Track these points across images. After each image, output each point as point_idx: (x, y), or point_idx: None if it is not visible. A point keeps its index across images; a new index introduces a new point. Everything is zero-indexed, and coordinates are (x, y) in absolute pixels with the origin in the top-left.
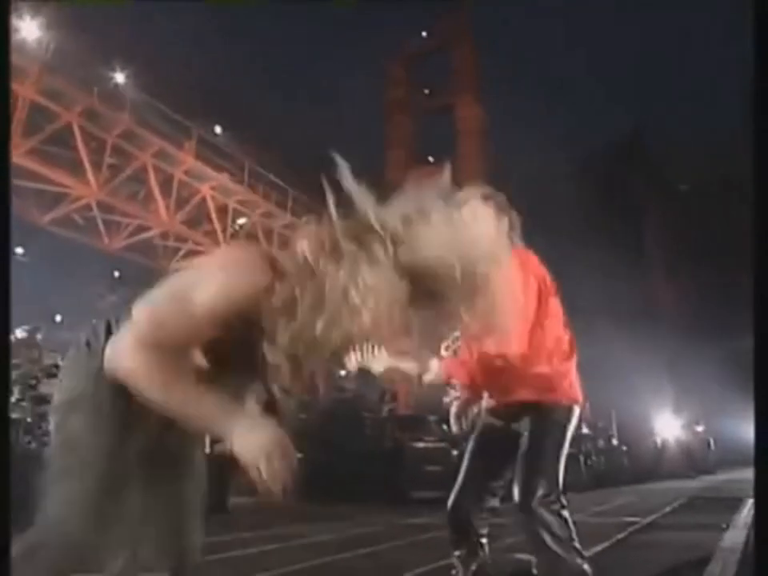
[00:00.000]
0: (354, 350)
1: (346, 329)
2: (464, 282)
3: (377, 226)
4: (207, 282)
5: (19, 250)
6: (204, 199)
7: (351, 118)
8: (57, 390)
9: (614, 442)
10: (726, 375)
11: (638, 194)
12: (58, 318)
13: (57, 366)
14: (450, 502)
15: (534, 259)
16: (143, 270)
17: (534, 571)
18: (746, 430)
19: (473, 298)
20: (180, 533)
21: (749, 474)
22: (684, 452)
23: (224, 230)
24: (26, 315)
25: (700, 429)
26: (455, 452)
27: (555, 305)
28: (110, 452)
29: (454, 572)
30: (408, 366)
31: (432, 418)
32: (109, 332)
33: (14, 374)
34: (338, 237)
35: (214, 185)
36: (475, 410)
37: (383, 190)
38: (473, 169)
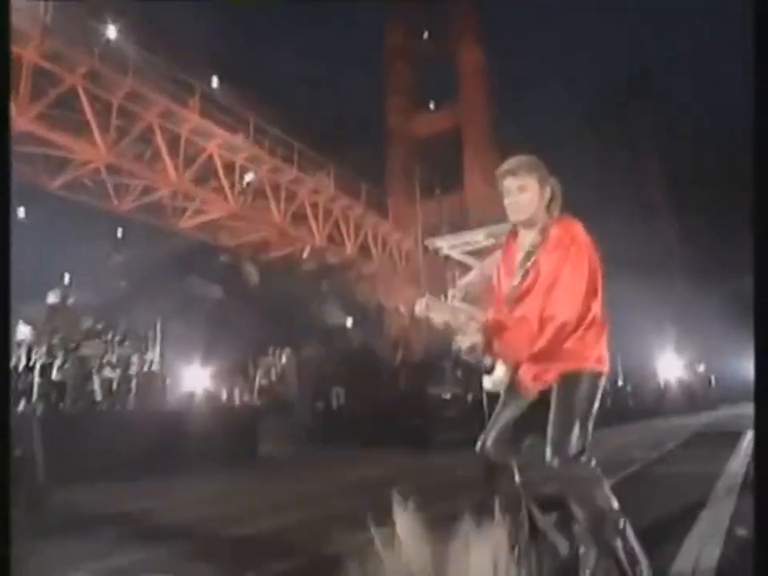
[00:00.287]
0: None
1: None
2: None
3: None
4: None
5: (21, 214)
6: (211, 157)
7: (352, 69)
8: None
9: (620, 383)
10: (727, 314)
11: (643, 133)
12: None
13: (94, 329)
14: (482, 441)
15: (579, 228)
16: (148, 228)
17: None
18: (745, 368)
19: None
20: None
21: (749, 409)
22: (686, 391)
23: (232, 187)
24: (38, 277)
25: (701, 367)
26: (469, 397)
27: (598, 274)
28: None
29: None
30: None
31: (445, 364)
32: None
33: (55, 339)
34: None
35: (220, 142)
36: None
37: None
38: (476, 111)
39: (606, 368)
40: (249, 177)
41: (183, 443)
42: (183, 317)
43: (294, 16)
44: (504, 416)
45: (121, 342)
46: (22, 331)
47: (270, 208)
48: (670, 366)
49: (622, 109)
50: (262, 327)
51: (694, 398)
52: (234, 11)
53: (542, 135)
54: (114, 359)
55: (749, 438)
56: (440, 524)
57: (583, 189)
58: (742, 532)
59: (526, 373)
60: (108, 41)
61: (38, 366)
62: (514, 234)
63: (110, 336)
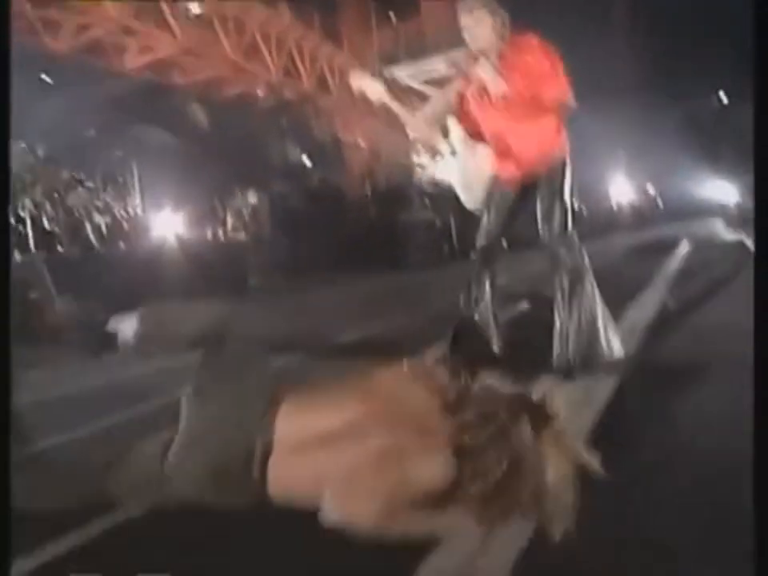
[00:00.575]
0: None
1: None
2: None
3: None
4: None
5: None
6: None
7: None
8: None
9: (575, 204)
10: (677, 138)
11: None
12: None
13: (76, 178)
14: (480, 243)
15: (535, 41)
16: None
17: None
18: (689, 188)
19: None
20: None
21: (688, 225)
22: (635, 211)
23: (177, 20)
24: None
25: (650, 189)
26: (438, 222)
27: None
28: None
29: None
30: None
31: (411, 193)
32: None
33: (37, 191)
34: None
35: None
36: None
37: None
38: None
39: (567, 153)
40: (195, 8)
41: (177, 279)
42: (143, 163)
43: None
44: (489, 222)
45: (104, 188)
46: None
47: (221, 42)
48: (622, 188)
49: None
50: (224, 170)
51: (643, 216)
52: None
53: None
54: (100, 205)
55: (684, 246)
56: None
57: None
58: (671, 303)
59: (503, 166)
60: None
61: (28, 219)
62: (473, 58)
63: (91, 184)
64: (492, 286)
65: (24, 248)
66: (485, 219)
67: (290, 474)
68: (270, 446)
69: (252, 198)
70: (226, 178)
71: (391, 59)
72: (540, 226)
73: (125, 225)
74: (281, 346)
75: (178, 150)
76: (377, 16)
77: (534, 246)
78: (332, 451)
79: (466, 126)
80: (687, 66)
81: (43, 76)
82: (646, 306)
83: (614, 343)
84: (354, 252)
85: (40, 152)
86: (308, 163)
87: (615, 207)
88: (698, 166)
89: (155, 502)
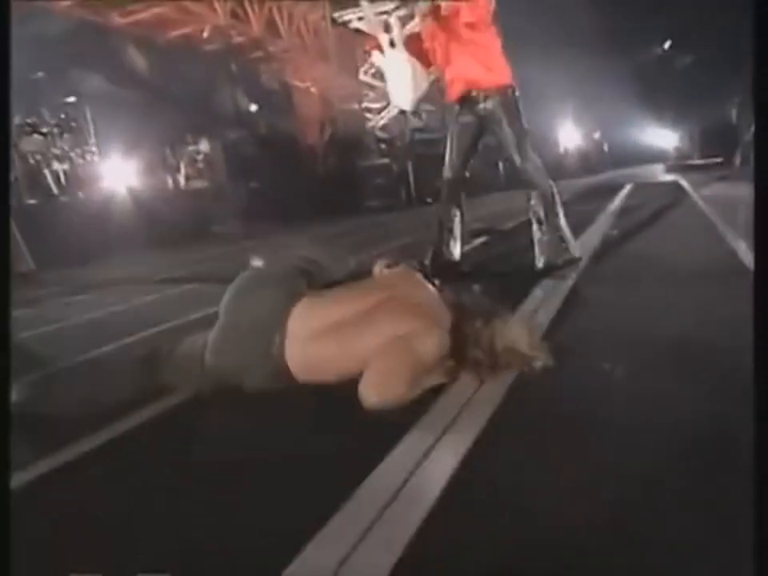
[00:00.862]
0: None
1: None
2: None
3: None
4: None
5: None
6: None
7: None
8: None
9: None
10: (624, 87)
11: None
12: None
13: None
14: (445, 175)
15: None
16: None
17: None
18: (634, 135)
19: None
20: None
21: (632, 169)
22: (582, 156)
23: None
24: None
25: (597, 135)
26: (395, 167)
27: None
28: None
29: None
30: None
31: (368, 139)
32: None
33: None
34: None
35: None
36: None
37: None
38: None
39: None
40: None
41: (138, 226)
42: (95, 109)
43: None
44: (452, 154)
45: (60, 135)
46: None
47: None
48: (570, 135)
49: None
50: (174, 117)
51: (589, 162)
52: None
53: None
54: (58, 152)
55: (626, 189)
56: None
57: None
58: (614, 232)
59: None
60: None
61: None
62: None
63: (46, 130)
64: (462, 222)
65: None
66: (447, 151)
67: (310, 357)
68: (284, 337)
69: (204, 145)
70: (178, 125)
71: (342, 1)
72: (504, 152)
73: (81, 172)
74: None
75: (122, 96)
76: None
77: (492, 188)
78: (349, 336)
79: (411, 50)
80: (635, 17)
81: None
82: (592, 237)
83: (576, 250)
84: (313, 198)
85: None
86: (258, 110)
87: (563, 153)
88: (643, 115)
89: (198, 388)
